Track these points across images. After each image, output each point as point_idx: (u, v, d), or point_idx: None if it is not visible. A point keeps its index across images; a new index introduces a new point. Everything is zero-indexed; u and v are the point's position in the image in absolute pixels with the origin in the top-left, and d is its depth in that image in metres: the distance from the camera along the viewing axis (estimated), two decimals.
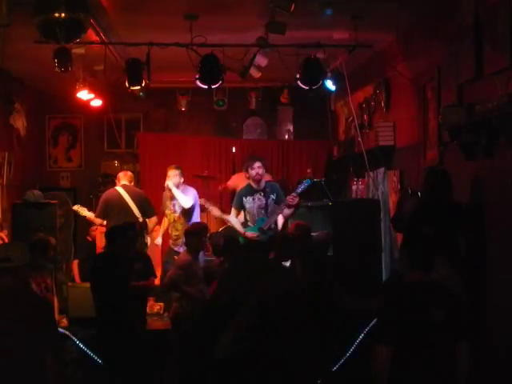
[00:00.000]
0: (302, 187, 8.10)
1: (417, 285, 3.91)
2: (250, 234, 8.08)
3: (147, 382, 6.71)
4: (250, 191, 8.21)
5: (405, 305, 3.84)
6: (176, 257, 7.89)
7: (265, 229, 8.01)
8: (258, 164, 8.11)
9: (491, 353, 5.49)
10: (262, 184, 8.20)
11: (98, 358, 6.83)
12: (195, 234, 7.10)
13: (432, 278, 3.97)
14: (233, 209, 8.31)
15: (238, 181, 9.77)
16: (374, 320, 3.97)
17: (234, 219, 8.21)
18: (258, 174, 8.11)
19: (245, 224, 8.17)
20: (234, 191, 9.53)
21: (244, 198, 8.21)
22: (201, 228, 7.33)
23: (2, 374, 3.96)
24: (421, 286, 3.90)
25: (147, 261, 7.14)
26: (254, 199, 8.18)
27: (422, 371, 3.80)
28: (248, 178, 8.24)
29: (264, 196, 8.16)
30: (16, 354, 3.97)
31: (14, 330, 3.99)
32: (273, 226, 8.07)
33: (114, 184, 9.01)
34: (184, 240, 7.40)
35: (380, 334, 3.85)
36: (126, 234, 6.89)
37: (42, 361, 4.00)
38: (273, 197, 8.20)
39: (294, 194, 8.09)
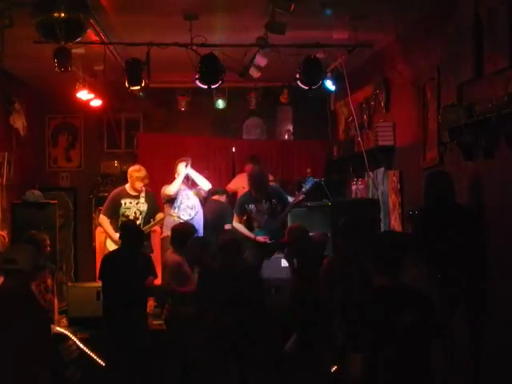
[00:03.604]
0: (309, 186, 8.17)
1: (384, 290, 3.87)
2: (261, 238, 8.11)
3: (147, 382, 6.72)
4: (250, 199, 8.25)
5: (374, 312, 3.81)
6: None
7: (274, 230, 8.06)
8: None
9: (491, 353, 5.50)
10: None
11: (98, 358, 6.84)
12: (184, 234, 7.10)
13: (399, 281, 3.92)
14: (235, 216, 8.36)
15: (239, 183, 9.79)
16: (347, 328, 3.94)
17: (240, 225, 8.26)
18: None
19: (251, 230, 8.24)
20: (235, 194, 9.55)
21: (245, 206, 8.26)
22: (189, 227, 7.33)
23: None
24: (388, 290, 3.86)
25: (147, 260, 7.13)
26: (256, 206, 8.23)
27: (399, 374, 3.77)
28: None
29: (266, 202, 8.21)
30: (5, 361, 3.89)
31: (6, 335, 3.90)
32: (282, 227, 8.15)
33: (114, 184, 9.00)
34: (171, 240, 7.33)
35: (354, 342, 3.81)
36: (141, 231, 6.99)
37: (31, 371, 3.91)
38: (274, 201, 8.23)
39: (301, 193, 8.18)
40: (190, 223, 7.95)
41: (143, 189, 8.51)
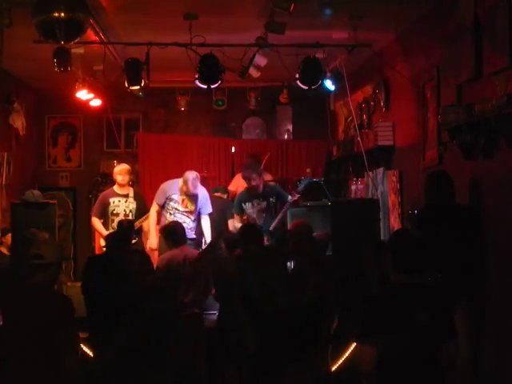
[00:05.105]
0: (303, 185, 8.20)
1: (401, 287, 3.89)
2: None
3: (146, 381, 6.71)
4: (248, 197, 8.27)
5: (389, 307, 3.83)
6: None
7: (272, 230, 8.06)
8: (254, 177, 8.22)
9: (491, 353, 5.50)
10: (260, 188, 8.28)
11: (98, 357, 6.82)
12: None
13: (416, 280, 3.94)
14: (235, 215, 8.37)
15: (238, 183, 9.78)
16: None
17: (239, 225, 8.25)
18: (254, 185, 8.23)
19: None
20: (235, 194, 9.55)
21: (243, 204, 8.28)
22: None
23: (22, 370, 4.07)
24: (405, 288, 3.88)
25: (144, 259, 7.09)
26: (253, 204, 8.25)
27: (408, 372, 3.79)
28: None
29: (263, 200, 8.23)
30: (36, 352, 4.07)
31: (36, 328, 4.09)
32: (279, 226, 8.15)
33: (113, 184, 9.01)
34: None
35: (366, 334, 3.83)
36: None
37: (60, 360, 4.11)
38: (272, 199, 8.26)
39: (296, 192, 8.21)
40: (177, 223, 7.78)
41: (131, 188, 8.81)
